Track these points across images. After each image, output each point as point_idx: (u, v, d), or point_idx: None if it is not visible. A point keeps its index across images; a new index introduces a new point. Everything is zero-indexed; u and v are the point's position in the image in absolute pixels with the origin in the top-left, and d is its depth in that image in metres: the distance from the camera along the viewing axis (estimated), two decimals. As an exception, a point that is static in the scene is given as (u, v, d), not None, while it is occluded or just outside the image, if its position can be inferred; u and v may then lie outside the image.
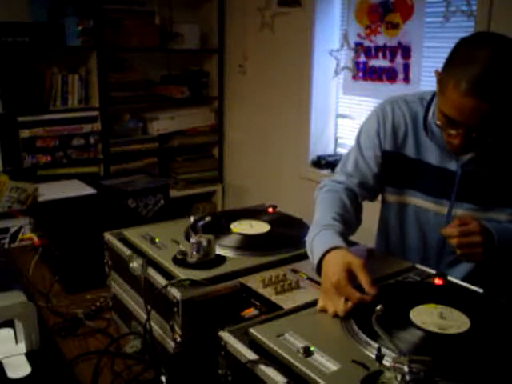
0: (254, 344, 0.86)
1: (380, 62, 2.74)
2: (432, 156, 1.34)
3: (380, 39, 2.73)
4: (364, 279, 0.97)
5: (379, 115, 1.40)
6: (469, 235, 1.13)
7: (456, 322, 0.90)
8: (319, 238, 1.11)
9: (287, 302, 0.99)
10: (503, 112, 1.12)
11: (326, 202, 1.29)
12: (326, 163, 3.10)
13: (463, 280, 1.11)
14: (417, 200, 1.38)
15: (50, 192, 1.89)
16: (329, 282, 0.98)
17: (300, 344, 0.83)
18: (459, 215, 1.28)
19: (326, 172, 3.08)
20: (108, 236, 1.30)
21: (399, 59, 2.64)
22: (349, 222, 1.25)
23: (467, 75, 1.09)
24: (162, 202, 1.92)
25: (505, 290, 1.28)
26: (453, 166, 1.31)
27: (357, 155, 1.42)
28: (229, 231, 1.30)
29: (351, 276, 0.98)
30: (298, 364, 0.79)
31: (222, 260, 1.14)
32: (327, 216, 1.21)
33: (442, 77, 1.17)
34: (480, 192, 1.29)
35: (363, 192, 1.39)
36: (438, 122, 1.21)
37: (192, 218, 1.32)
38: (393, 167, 1.39)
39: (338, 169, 1.46)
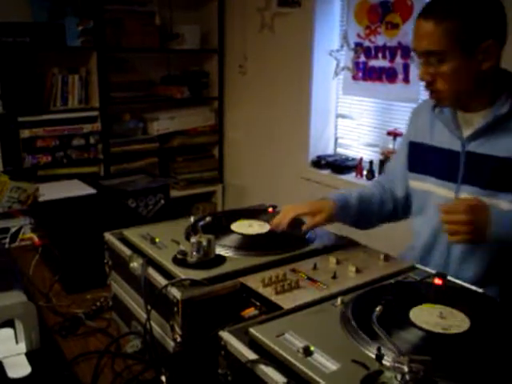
0: (253, 344, 0.86)
1: (380, 63, 2.75)
2: (441, 139, 1.40)
3: (380, 39, 2.73)
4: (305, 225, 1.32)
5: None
6: (453, 213, 1.17)
7: (456, 321, 0.91)
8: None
9: (287, 301, 0.99)
10: (455, 31, 1.21)
11: None
12: (326, 163, 3.10)
13: (477, 278, 1.13)
14: (429, 185, 1.42)
15: (50, 192, 1.88)
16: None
17: (300, 344, 0.83)
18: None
19: (325, 172, 3.08)
20: (108, 236, 1.30)
21: (399, 59, 2.64)
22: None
23: (424, 5, 1.27)
24: (163, 202, 1.91)
25: None
26: (457, 146, 1.35)
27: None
28: (229, 231, 1.30)
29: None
30: (297, 364, 0.79)
31: (222, 260, 1.14)
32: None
33: None
34: (484, 175, 1.30)
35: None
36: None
37: (192, 218, 1.33)
38: (413, 155, 1.50)
39: None
